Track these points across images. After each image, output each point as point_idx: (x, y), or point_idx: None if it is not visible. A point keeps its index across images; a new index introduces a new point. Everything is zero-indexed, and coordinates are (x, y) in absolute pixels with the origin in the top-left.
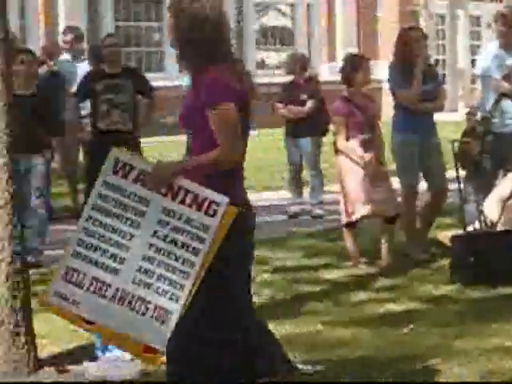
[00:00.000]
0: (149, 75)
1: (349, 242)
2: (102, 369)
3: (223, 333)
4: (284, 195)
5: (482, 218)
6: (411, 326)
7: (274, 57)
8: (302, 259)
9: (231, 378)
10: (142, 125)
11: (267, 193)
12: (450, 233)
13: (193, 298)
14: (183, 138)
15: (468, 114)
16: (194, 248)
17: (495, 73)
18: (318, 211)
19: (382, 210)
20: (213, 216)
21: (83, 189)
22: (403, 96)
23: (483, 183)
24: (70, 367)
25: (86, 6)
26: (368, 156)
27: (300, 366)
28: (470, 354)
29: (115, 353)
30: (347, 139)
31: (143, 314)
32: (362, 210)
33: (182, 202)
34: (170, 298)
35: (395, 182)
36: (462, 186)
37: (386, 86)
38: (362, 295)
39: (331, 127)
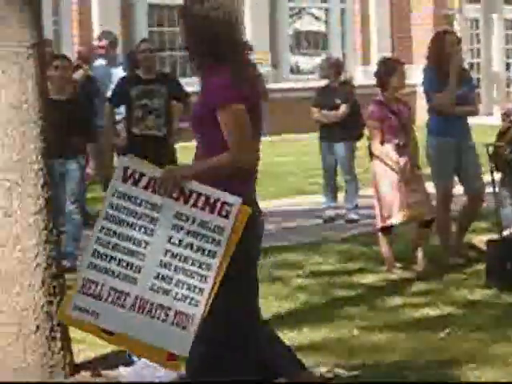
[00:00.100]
0: (183, 80)
1: (384, 247)
2: (137, 373)
3: (237, 336)
4: (319, 200)
5: None
6: (447, 330)
7: (307, 61)
8: (337, 264)
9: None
10: (176, 130)
11: (302, 197)
12: (485, 237)
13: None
14: None
15: (503, 114)
16: (209, 251)
17: None
18: (353, 216)
19: (419, 213)
20: (226, 217)
21: None
22: (438, 100)
23: None
24: (105, 372)
25: (120, 11)
26: (402, 160)
27: (336, 371)
28: (506, 359)
29: None
30: (382, 144)
31: (164, 321)
32: (397, 216)
33: (195, 205)
34: (190, 303)
35: (430, 187)
36: (497, 189)
37: (420, 89)
38: (397, 300)
39: (366, 131)
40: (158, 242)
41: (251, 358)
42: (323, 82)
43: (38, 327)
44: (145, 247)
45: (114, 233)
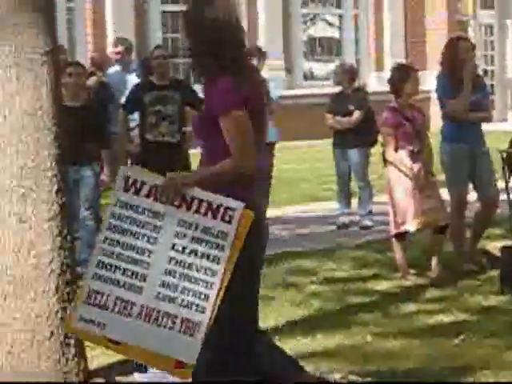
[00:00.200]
0: (197, 86)
1: (398, 253)
2: (151, 380)
3: (241, 342)
4: (332, 206)
5: None
6: (461, 337)
7: (321, 68)
8: (351, 270)
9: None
10: (190, 136)
11: (316, 204)
12: (499, 243)
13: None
14: None
15: None
16: (214, 256)
17: None
18: (367, 222)
19: (433, 219)
20: (229, 222)
21: None
22: (451, 106)
23: None
24: (119, 378)
25: (134, 18)
26: (416, 167)
27: (350, 377)
28: None
29: None
30: (396, 150)
31: (170, 329)
32: (412, 224)
33: (197, 211)
34: (196, 310)
35: (444, 193)
36: (511, 195)
37: (434, 96)
38: (411, 306)
39: (380, 138)
40: (162, 250)
41: (254, 365)
42: (337, 89)
43: (52, 333)
44: (149, 256)
45: (118, 242)
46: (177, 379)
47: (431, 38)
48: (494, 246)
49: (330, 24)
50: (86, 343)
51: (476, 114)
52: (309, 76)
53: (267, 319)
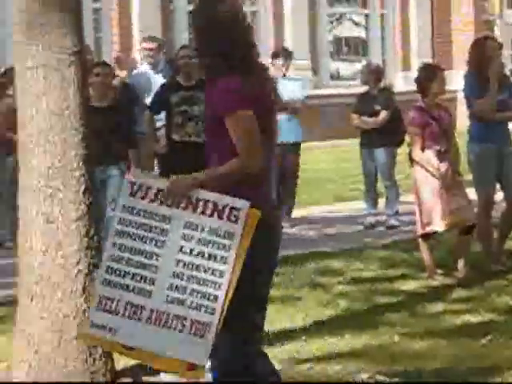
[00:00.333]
0: None
1: (425, 253)
2: (177, 380)
3: (233, 343)
4: (359, 206)
5: None
6: (488, 337)
7: (348, 67)
8: (378, 270)
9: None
10: None
11: (342, 204)
12: None
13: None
14: None
15: None
16: (221, 257)
17: None
18: (394, 222)
19: (461, 220)
20: (235, 222)
21: None
22: (478, 106)
23: None
24: (146, 378)
25: (161, 18)
26: (443, 166)
27: (378, 377)
28: None
29: None
30: (422, 150)
31: (181, 331)
32: (439, 224)
33: (203, 212)
34: (206, 311)
35: (472, 193)
36: None
37: (460, 95)
38: (438, 306)
39: (407, 138)
40: (170, 253)
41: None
42: (363, 89)
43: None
44: (157, 259)
45: (126, 248)
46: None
47: (458, 37)
48: None
49: (357, 24)
50: None
51: (503, 113)
52: (335, 76)
53: (294, 319)
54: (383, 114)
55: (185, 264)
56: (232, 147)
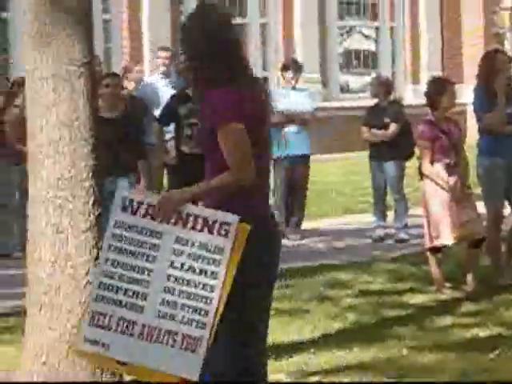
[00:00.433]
0: None
1: (433, 267)
2: None
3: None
4: (368, 219)
5: None
6: (497, 351)
7: (357, 80)
8: (387, 283)
9: None
10: None
11: (351, 216)
12: None
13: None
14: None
15: None
16: (212, 272)
17: None
18: (403, 235)
19: (470, 233)
20: (225, 236)
21: None
22: (487, 120)
23: None
24: None
25: (171, 29)
26: (453, 180)
27: None
28: None
29: None
30: (432, 163)
31: (172, 346)
32: (448, 238)
33: (193, 227)
34: (197, 326)
35: (481, 207)
36: None
37: (470, 109)
38: (446, 320)
39: (416, 151)
40: (161, 268)
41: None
42: (373, 101)
43: None
44: (149, 274)
45: (118, 263)
46: None
47: (468, 50)
48: None
49: (366, 36)
50: None
51: None
52: (345, 89)
53: (302, 332)
54: (393, 127)
55: (176, 279)
56: (224, 160)
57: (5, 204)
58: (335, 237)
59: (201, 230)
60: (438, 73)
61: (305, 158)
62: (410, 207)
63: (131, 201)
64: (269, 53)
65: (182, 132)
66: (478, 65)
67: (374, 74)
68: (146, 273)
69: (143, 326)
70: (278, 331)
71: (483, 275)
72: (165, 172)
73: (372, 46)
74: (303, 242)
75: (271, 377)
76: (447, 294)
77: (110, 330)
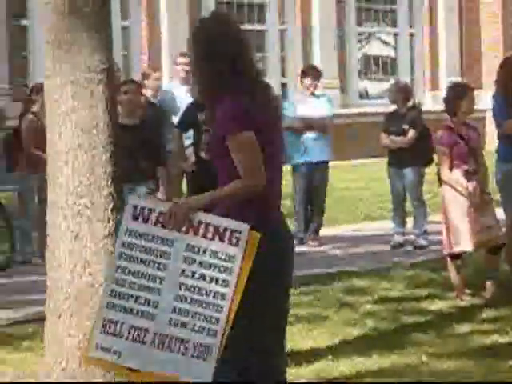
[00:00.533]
0: None
1: (452, 273)
2: None
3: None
4: (387, 225)
5: None
6: None
7: (376, 86)
8: (406, 290)
9: None
10: None
11: (370, 223)
12: None
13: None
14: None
15: None
16: (223, 280)
17: None
18: (422, 242)
19: (488, 239)
20: (236, 245)
21: None
22: (507, 125)
23: None
24: None
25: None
26: (472, 186)
27: None
28: None
29: None
30: (451, 169)
31: (183, 354)
32: (467, 244)
33: (204, 236)
34: (208, 334)
35: (500, 213)
36: None
37: (489, 115)
38: (466, 327)
39: (435, 157)
40: (172, 276)
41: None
42: (392, 108)
43: None
44: (160, 282)
45: (130, 271)
46: None
47: (487, 56)
48: None
49: (385, 43)
50: None
51: None
52: (364, 95)
53: (321, 338)
54: (411, 133)
55: (187, 287)
56: (234, 167)
57: (24, 211)
58: (354, 243)
59: (212, 238)
60: (457, 79)
61: (324, 165)
62: (429, 213)
63: (142, 209)
64: (287, 59)
65: (201, 139)
66: (496, 71)
67: (392, 80)
68: (158, 281)
69: (155, 333)
70: (297, 338)
71: (502, 281)
72: (184, 179)
73: (391, 53)
74: (322, 248)
75: None
76: (467, 300)
77: (121, 337)
